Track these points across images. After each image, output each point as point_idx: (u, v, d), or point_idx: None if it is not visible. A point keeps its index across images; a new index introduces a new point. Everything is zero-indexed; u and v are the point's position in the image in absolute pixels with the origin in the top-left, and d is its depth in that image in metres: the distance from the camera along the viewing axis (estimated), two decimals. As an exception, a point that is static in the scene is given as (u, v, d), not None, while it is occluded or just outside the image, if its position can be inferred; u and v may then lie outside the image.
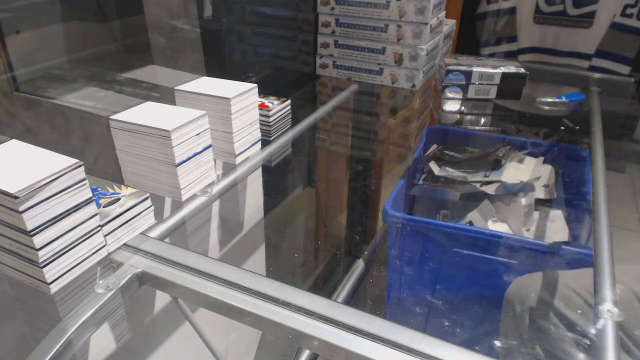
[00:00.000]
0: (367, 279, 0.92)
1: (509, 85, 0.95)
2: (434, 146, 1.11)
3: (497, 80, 0.95)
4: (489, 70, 0.94)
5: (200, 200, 0.60)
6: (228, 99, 0.64)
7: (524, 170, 1.03)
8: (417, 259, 0.89)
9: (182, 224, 0.58)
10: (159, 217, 0.55)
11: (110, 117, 0.58)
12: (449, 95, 0.97)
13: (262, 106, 0.76)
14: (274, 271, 0.96)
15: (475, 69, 0.95)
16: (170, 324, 0.69)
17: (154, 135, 0.56)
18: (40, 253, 0.42)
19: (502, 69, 0.94)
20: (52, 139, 1.00)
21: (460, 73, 0.95)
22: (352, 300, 0.86)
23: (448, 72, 0.95)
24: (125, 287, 0.47)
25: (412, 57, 0.98)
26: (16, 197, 0.39)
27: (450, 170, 1.04)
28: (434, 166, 1.04)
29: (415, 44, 0.97)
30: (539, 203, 0.97)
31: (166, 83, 1.02)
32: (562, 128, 1.04)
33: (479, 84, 0.96)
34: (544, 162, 1.05)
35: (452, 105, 0.98)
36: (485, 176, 0.99)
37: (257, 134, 0.72)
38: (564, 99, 0.99)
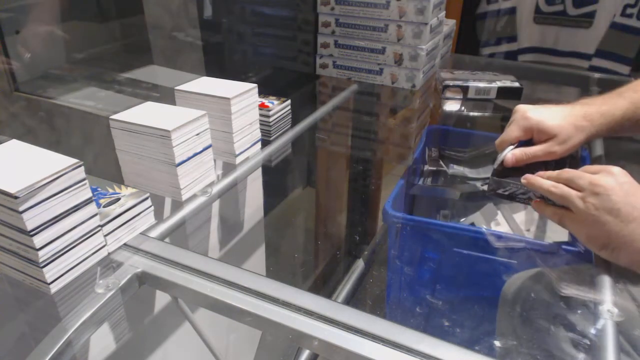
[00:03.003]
0: (367, 279, 0.92)
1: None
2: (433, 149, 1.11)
3: (492, 95, 0.98)
4: (486, 85, 0.97)
5: (200, 200, 0.60)
6: (228, 99, 0.64)
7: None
8: (417, 259, 0.89)
9: (182, 224, 0.58)
10: (159, 217, 0.55)
11: (110, 117, 0.58)
12: (449, 95, 0.98)
13: (262, 106, 0.76)
14: (274, 271, 0.95)
15: (471, 84, 0.97)
16: (170, 324, 0.69)
17: (154, 135, 0.56)
18: (40, 253, 0.42)
19: (498, 84, 0.97)
20: (52, 139, 1.00)
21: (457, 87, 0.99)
22: (352, 300, 0.86)
23: (445, 87, 0.97)
24: (125, 287, 0.47)
25: (412, 57, 0.98)
26: (16, 197, 0.39)
27: (456, 167, 1.04)
28: (438, 164, 1.05)
29: (415, 44, 0.97)
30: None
31: (166, 83, 1.02)
32: None
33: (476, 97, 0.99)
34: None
35: (452, 105, 0.98)
36: None
37: (257, 134, 0.72)
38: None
